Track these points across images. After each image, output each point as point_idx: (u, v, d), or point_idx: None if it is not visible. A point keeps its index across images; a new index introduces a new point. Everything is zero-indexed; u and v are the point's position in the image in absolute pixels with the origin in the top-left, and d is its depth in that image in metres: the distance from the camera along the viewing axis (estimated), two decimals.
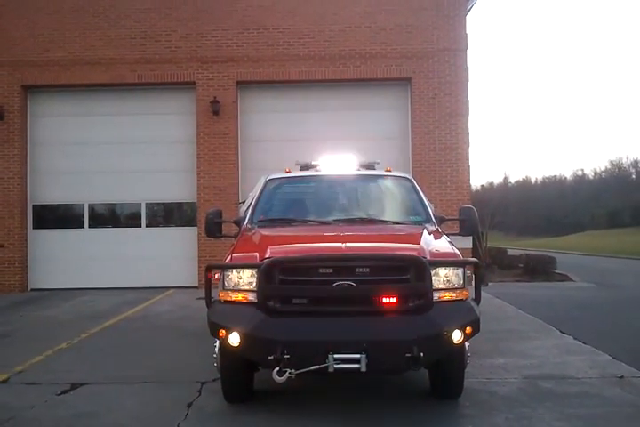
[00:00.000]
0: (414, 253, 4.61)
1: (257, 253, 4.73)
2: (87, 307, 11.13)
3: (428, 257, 4.62)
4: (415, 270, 4.47)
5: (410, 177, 6.98)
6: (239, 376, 4.98)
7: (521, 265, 19.21)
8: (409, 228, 5.77)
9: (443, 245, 5.12)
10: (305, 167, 7.19)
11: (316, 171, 6.99)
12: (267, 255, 4.63)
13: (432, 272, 4.50)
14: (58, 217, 14.54)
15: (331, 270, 4.49)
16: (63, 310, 10.94)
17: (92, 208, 14.41)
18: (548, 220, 78.48)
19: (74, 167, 14.19)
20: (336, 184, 6.63)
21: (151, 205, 14.46)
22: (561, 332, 8.19)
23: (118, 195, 14.25)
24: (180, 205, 14.55)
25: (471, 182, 14.18)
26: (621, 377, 5.78)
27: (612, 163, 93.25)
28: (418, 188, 6.56)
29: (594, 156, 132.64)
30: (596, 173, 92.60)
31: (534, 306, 10.62)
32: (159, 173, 14.14)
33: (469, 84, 13.92)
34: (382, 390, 5.48)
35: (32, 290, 13.95)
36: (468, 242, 12.73)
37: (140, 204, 14.30)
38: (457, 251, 4.95)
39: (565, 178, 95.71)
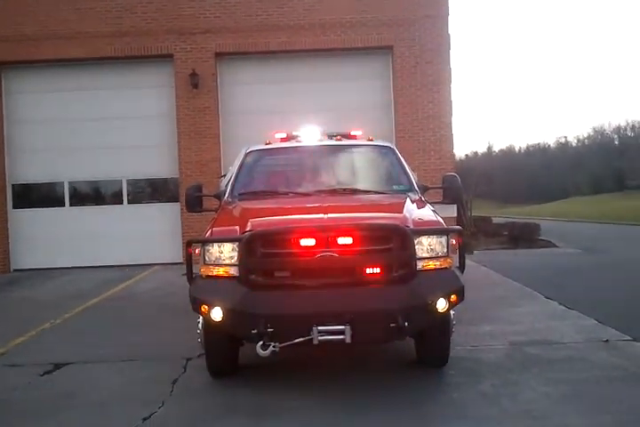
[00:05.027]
0: (397, 222, 4.55)
1: (237, 227, 4.66)
2: (70, 286, 11.03)
3: (411, 226, 4.56)
4: (398, 239, 4.41)
5: (392, 146, 6.88)
6: (223, 351, 4.94)
7: (505, 233, 19.29)
8: (391, 197, 5.71)
9: (426, 213, 5.06)
10: (286, 138, 7.03)
11: (297, 142, 6.85)
12: (247, 229, 4.55)
13: (415, 241, 4.44)
14: (38, 196, 14.33)
15: (313, 242, 4.39)
16: (46, 290, 10.84)
17: (72, 186, 14.19)
18: (533, 187, 78.79)
19: (52, 145, 13.91)
20: (317, 155, 6.48)
21: (132, 182, 14.23)
22: (546, 298, 8.21)
23: (99, 172, 13.99)
24: (162, 180, 14.36)
25: (455, 152, 14.14)
26: (606, 341, 5.81)
27: (594, 129, 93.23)
28: (400, 156, 6.46)
29: (577, 123, 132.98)
30: (579, 140, 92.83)
31: (520, 273, 10.63)
32: (140, 148, 13.88)
33: (451, 51, 13.77)
34: (367, 362, 5.45)
35: (14, 271, 13.79)
36: (452, 211, 12.70)
37: (121, 180, 14.09)
38: (440, 219, 4.90)
39: (549, 146, 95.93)
